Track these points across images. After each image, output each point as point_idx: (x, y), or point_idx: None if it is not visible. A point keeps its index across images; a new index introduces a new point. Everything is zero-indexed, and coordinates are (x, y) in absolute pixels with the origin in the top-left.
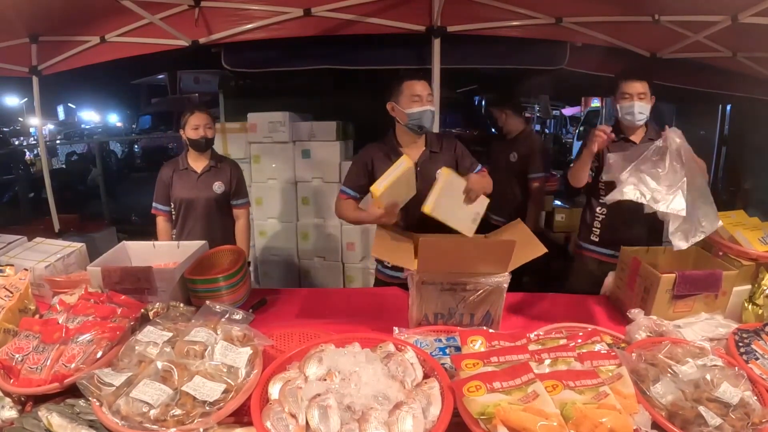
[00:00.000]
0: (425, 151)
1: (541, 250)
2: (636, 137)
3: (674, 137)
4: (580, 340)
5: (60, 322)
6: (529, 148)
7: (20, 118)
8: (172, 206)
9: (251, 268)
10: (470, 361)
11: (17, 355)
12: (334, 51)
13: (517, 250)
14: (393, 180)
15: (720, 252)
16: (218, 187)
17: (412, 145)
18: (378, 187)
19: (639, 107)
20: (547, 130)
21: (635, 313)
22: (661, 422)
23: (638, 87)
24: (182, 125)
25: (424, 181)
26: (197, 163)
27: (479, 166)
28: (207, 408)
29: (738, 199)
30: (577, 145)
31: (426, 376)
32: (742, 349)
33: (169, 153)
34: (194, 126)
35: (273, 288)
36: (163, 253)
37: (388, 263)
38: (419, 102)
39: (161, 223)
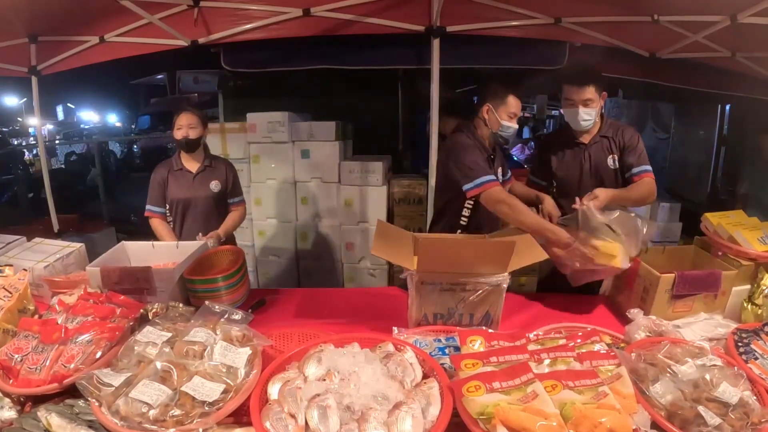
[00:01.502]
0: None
1: (542, 255)
2: (587, 136)
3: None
4: (579, 340)
5: (59, 322)
6: None
7: (19, 118)
8: (168, 207)
9: (249, 268)
10: (469, 361)
11: (16, 356)
12: (333, 51)
13: (518, 254)
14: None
15: (719, 252)
16: (215, 185)
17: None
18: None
19: (584, 114)
20: (545, 130)
21: (634, 313)
22: (660, 422)
23: (583, 93)
24: (172, 126)
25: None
26: (191, 163)
27: (509, 174)
28: (206, 408)
29: (737, 199)
30: None
31: (425, 376)
32: (741, 349)
33: (168, 153)
34: (178, 126)
35: (272, 288)
36: (163, 253)
37: None
38: (513, 119)
39: (158, 224)
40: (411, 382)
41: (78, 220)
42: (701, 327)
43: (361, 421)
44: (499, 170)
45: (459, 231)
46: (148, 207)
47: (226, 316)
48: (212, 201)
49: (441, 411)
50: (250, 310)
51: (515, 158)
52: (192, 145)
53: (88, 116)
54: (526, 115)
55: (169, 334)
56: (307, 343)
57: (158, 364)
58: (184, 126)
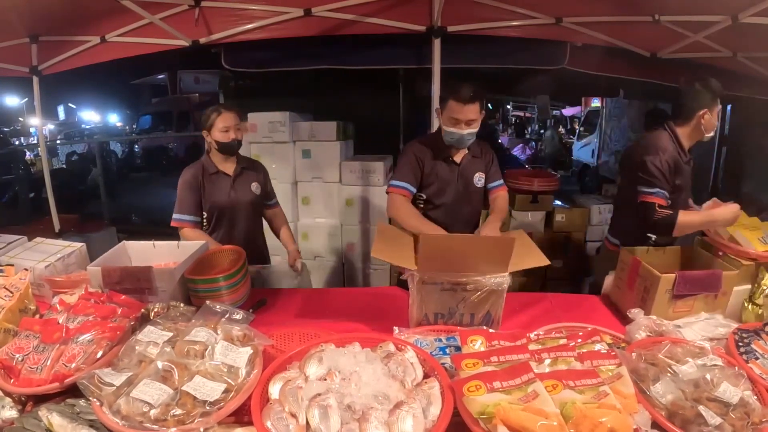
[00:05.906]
0: (467, 155)
1: (543, 261)
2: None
3: None
4: (580, 340)
5: (60, 322)
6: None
7: (20, 118)
8: (204, 214)
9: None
10: (470, 361)
11: (17, 355)
12: (334, 51)
13: (519, 257)
14: None
15: (720, 252)
16: (256, 188)
17: (455, 150)
18: None
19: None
20: (547, 131)
21: (635, 312)
22: (661, 422)
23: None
24: (207, 126)
25: (464, 182)
26: (226, 165)
27: (501, 181)
28: (207, 408)
29: (738, 199)
30: (577, 145)
31: (426, 376)
32: (741, 349)
33: (169, 153)
34: (223, 128)
35: (273, 288)
36: (163, 253)
37: None
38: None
39: (192, 233)
40: (412, 381)
41: (79, 220)
42: (702, 327)
43: (361, 421)
44: None
45: None
46: (177, 216)
47: (227, 315)
48: (253, 204)
49: (442, 410)
50: (251, 310)
51: (519, 159)
52: (237, 148)
53: (89, 116)
54: (527, 115)
55: (170, 334)
56: (308, 342)
57: (159, 364)
58: (232, 127)
